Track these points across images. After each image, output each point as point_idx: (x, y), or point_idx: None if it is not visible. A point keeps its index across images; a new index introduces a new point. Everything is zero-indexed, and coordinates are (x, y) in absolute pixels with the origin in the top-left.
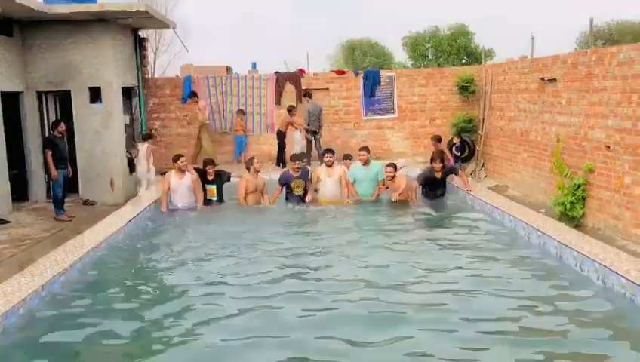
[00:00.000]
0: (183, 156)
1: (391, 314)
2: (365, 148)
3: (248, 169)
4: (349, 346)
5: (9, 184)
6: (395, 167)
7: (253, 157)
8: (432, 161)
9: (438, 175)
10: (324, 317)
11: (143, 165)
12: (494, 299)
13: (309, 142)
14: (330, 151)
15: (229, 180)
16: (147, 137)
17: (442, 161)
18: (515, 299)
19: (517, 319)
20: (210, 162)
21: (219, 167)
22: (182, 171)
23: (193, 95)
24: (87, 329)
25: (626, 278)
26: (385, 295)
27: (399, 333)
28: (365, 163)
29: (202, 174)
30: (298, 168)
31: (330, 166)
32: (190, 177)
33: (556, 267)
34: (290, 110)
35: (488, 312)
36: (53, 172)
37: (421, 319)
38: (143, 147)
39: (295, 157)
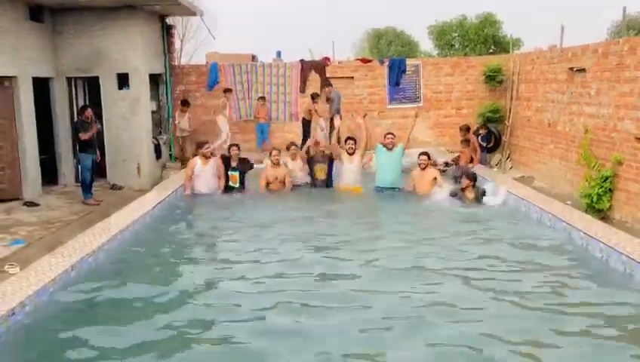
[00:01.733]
0: (207, 143)
1: (423, 311)
2: (392, 133)
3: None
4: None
5: (39, 168)
6: (428, 155)
7: (273, 149)
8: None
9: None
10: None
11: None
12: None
13: (331, 129)
14: (351, 138)
15: (251, 168)
16: (227, 91)
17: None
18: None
19: (537, 308)
20: (234, 145)
21: (241, 154)
22: (206, 157)
23: (185, 103)
24: (110, 310)
25: None
26: (418, 288)
27: (431, 333)
28: (390, 147)
29: (226, 159)
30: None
31: (351, 154)
32: (215, 163)
33: (581, 258)
34: (314, 97)
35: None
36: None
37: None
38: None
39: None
